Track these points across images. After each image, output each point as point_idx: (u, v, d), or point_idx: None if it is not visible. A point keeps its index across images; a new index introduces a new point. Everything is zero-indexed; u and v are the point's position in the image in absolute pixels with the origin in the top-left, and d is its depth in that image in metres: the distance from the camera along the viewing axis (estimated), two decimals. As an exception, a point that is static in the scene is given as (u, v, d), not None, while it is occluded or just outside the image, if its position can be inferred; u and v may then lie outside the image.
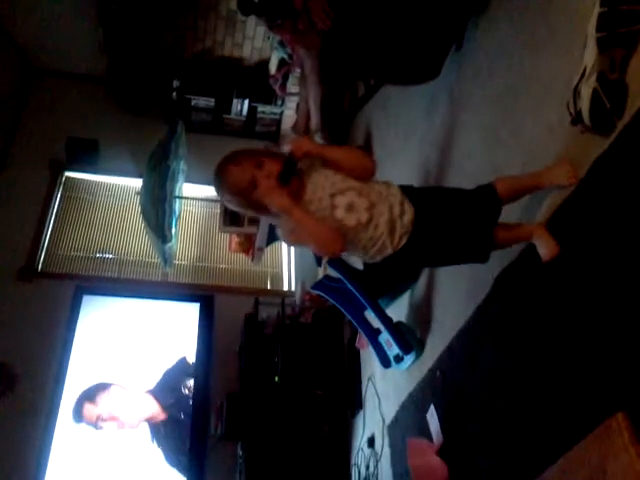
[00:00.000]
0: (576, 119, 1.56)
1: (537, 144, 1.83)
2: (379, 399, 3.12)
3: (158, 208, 4.06)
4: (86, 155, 4.95)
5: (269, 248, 4.60)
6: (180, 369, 4.26)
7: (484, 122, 2.22)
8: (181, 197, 4.61)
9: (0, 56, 4.88)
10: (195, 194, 5.04)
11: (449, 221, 1.68)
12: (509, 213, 1.80)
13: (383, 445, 2.96)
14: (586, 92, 1.48)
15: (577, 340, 1.49)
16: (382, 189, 1.67)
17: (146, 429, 4.13)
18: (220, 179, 1.65)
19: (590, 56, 1.49)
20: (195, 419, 4.19)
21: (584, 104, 1.50)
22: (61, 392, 4.12)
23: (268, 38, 4.61)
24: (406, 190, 1.71)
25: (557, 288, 1.63)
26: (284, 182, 1.57)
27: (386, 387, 3.05)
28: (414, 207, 1.66)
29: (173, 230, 4.23)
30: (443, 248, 1.71)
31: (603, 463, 1.13)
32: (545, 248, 1.66)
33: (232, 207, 1.75)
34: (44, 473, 3.88)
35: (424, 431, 2.37)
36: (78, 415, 4.09)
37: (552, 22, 1.83)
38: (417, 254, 1.71)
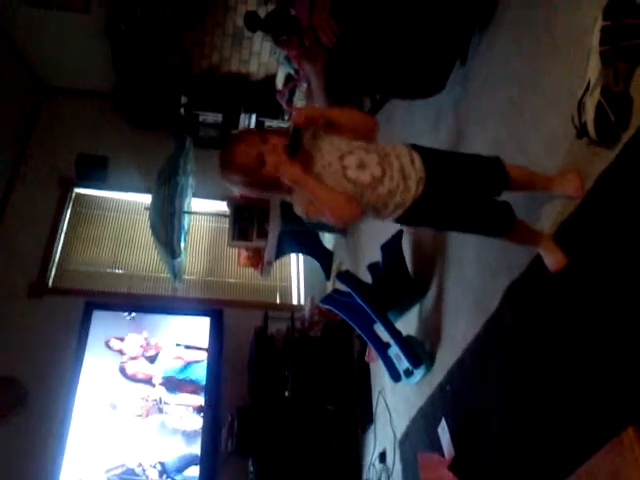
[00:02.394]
0: (581, 132, 1.57)
1: (542, 157, 1.83)
2: (390, 413, 3.10)
3: (167, 223, 4.09)
4: (96, 171, 5.01)
5: (278, 262, 4.61)
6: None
7: (489, 136, 2.22)
8: (190, 212, 4.64)
9: (10, 74, 4.96)
10: (204, 209, 5.07)
11: (460, 171, 1.69)
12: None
13: (395, 460, 2.95)
14: (590, 105, 1.49)
15: (588, 353, 1.49)
16: (387, 147, 1.68)
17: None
18: (227, 160, 1.63)
19: (594, 69, 1.49)
20: (206, 433, 4.19)
21: (589, 117, 1.50)
22: (72, 407, 4.14)
23: (274, 53, 4.65)
24: (414, 146, 1.71)
25: (567, 300, 1.62)
26: (293, 153, 1.57)
27: (397, 401, 3.04)
28: (422, 160, 1.65)
29: (182, 245, 4.25)
30: (455, 206, 1.68)
31: (615, 477, 1.12)
32: (553, 259, 1.66)
33: (240, 189, 1.75)
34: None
35: (435, 445, 2.36)
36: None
37: (556, 36, 1.84)
38: (435, 205, 1.67)
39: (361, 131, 1.65)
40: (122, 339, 4.49)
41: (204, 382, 4.39)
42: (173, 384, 4.37)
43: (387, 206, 1.65)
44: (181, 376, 4.41)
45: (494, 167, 1.72)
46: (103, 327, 4.50)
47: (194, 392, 4.37)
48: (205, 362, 4.48)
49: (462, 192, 1.68)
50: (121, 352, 4.45)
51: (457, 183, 1.68)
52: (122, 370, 4.37)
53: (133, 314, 4.59)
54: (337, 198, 1.60)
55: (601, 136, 1.50)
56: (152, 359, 4.46)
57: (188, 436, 4.21)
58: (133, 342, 4.49)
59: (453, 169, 1.70)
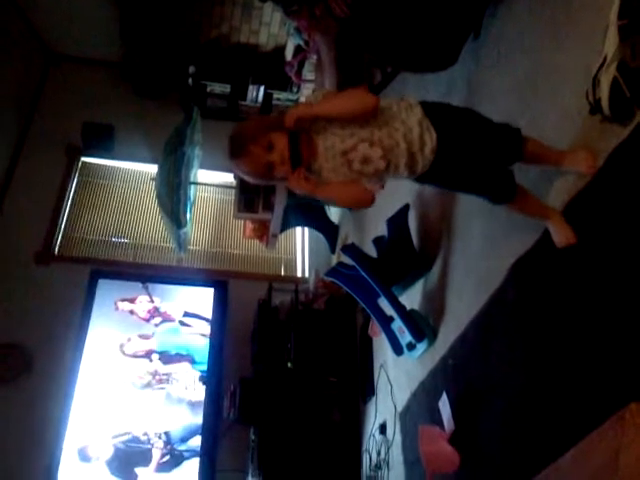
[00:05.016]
0: (595, 108, 1.55)
1: (556, 133, 1.81)
2: (391, 386, 3.13)
3: (173, 194, 4.09)
4: (102, 140, 4.98)
5: (283, 234, 4.62)
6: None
7: (502, 111, 2.20)
8: (196, 183, 4.63)
9: (18, 41, 4.91)
10: (210, 180, 5.06)
11: (472, 151, 1.66)
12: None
13: (395, 432, 2.98)
14: (606, 81, 1.47)
15: (592, 330, 1.49)
16: (398, 123, 1.61)
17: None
18: (237, 168, 1.66)
19: (611, 44, 1.47)
20: (208, 403, 4.23)
21: (603, 93, 1.48)
22: (77, 374, 4.19)
23: (284, 24, 4.59)
24: (430, 112, 1.64)
25: (572, 278, 1.62)
26: (295, 166, 1.58)
27: (398, 374, 3.06)
28: (437, 133, 1.61)
29: (188, 215, 4.26)
30: (462, 176, 1.70)
31: (616, 453, 1.12)
32: (561, 235, 1.66)
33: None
34: (60, 452, 3.96)
35: (436, 418, 2.38)
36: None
37: (572, 10, 1.81)
38: (437, 177, 1.71)
39: (361, 116, 1.60)
40: (132, 300, 4.52)
41: (195, 356, 4.43)
42: (167, 358, 4.40)
43: (396, 176, 1.68)
44: (174, 351, 4.44)
45: (513, 139, 1.72)
46: (111, 295, 4.53)
47: (187, 363, 4.42)
48: (201, 335, 4.52)
49: (471, 165, 1.67)
50: (132, 312, 4.48)
51: (469, 157, 1.66)
52: (122, 352, 4.41)
53: (148, 284, 4.61)
54: (351, 193, 1.66)
55: (615, 112, 1.48)
56: (147, 336, 4.49)
57: (193, 406, 4.26)
58: (143, 305, 4.53)
59: (469, 143, 1.67)
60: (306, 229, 5.03)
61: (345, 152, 1.60)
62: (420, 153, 1.60)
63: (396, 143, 1.60)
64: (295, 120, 1.57)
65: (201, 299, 4.66)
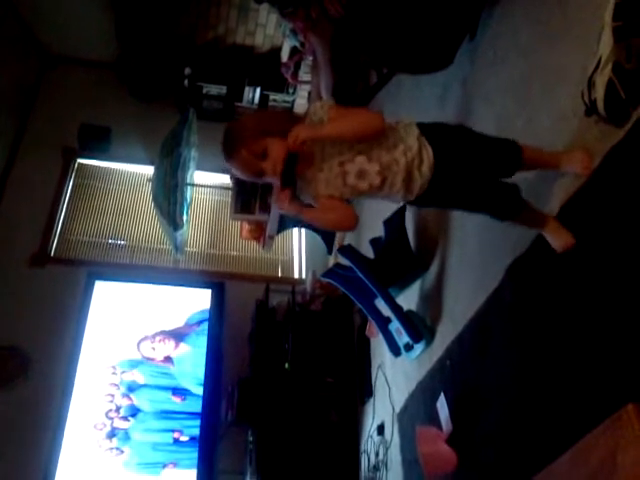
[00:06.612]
0: (590, 109, 1.55)
1: (551, 134, 1.82)
2: (389, 387, 3.13)
3: (170, 195, 4.08)
4: (98, 142, 4.97)
5: (280, 236, 4.61)
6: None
7: (498, 112, 2.21)
8: (192, 185, 4.62)
9: (14, 43, 4.90)
10: (206, 182, 5.06)
11: (469, 167, 1.64)
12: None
13: (393, 433, 2.98)
14: (601, 82, 1.47)
15: (589, 331, 1.50)
16: (397, 140, 1.60)
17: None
18: (229, 163, 1.64)
19: (606, 46, 1.47)
20: (206, 405, 4.23)
21: (599, 94, 1.49)
22: (74, 376, 4.17)
23: (280, 26, 4.59)
24: (426, 131, 1.63)
25: (569, 278, 1.63)
26: (284, 185, 1.57)
27: (396, 375, 3.07)
28: (433, 150, 1.59)
29: (184, 217, 4.25)
30: (463, 193, 1.67)
31: (613, 454, 1.12)
32: (559, 240, 1.65)
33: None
34: (58, 455, 3.94)
35: (434, 419, 2.39)
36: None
37: (568, 12, 1.82)
38: (436, 197, 1.67)
39: (363, 139, 1.59)
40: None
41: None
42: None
43: (389, 198, 1.68)
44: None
45: (511, 153, 1.70)
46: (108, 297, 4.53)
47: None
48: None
49: (471, 180, 1.64)
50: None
51: (468, 172, 1.64)
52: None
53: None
54: (333, 217, 1.63)
55: (610, 114, 1.48)
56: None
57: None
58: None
59: (467, 158, 1.64)
60: (303, 230, 5.02)
61: (342, 163, 1.59)
62: (418, 171, 1.58)
63: (395, 160, 1.58)
64: (300, 143, 1.54)
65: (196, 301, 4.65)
